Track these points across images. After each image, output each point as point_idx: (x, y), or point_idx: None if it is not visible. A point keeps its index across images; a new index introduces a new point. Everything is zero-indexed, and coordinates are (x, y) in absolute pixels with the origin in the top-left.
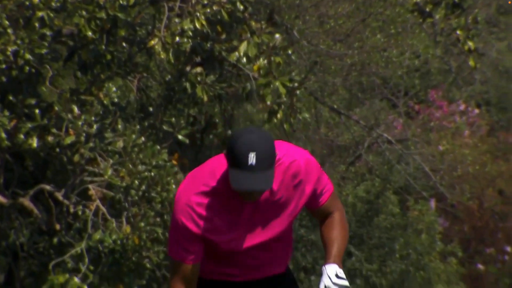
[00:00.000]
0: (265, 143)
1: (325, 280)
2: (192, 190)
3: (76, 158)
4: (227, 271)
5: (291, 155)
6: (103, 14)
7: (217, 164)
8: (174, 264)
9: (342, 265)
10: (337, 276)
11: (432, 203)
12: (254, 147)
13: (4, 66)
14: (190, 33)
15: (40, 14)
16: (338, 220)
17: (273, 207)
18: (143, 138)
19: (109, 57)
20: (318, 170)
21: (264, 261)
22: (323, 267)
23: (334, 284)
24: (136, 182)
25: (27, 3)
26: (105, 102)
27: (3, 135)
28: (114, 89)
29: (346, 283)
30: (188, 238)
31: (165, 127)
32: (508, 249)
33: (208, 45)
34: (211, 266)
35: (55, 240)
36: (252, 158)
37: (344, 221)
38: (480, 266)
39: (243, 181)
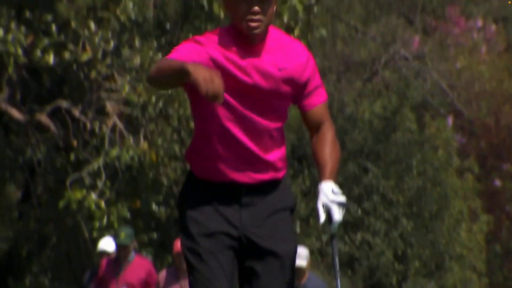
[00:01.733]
0: None
1: (322, 198)
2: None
3: (93, 74)
4: (222, 156)
5: (302, 46)
6: None
7: None
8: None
9: (357, 182)
10: (333, 192)
11: (449, 119)
12: None
13: None
14: None
15: None
16: (330, 139)
17: (284, 74)
18: (160, 55)
19: None
20: (315, 65)
21: (254, 153)
22: (319, 185)
23: (332, 201)
24: (153, 98)
25: None
26: (122, 18)
27: (20, 51)
28: (131, 5)
29: (343, 198)
30: (196, 52)
31: None
32: None
33: None
34: (208, 150)
35: (72, 156)
36: None
37: (335, 141)
38: (497, 182)
39: None
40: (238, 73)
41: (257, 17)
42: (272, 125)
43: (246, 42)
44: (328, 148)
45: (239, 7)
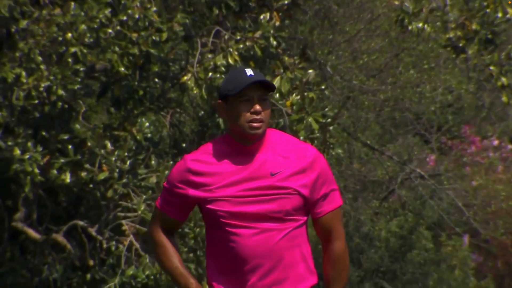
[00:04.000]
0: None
1: None
2: (191, 154)
3: (110, 193)
4: (234, 270)
5: (305, 145)
6: (136, 50)
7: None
8: (156, 212)
9: None
10: None
11: (466, 239)
12: (247, 67)
13: (37, 101)
14: (223, 69)
15: (73, 50)
16: (335, 258)
17: (277, 179)
18: None
19: (141, 92)
20: (325, 169)
21: (265, 262)
22: None
23: None
24: None
25: (60, 38)
26: (138, 137)
27: (36, 170)
28: (147, 124)
29: None
30: (172, 190)
31: None
32: None
33: None
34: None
35: (89, 276)
36: (249, 71)
37: (342, 256)
38: None
39: (248, 80)
40: (231, 194)
41: (259, 117)
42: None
43: (242, 145)
44: (332, 270)
45: (241, 108)
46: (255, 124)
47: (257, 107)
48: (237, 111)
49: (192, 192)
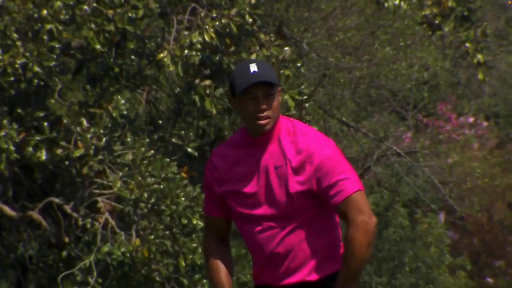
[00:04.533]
0: (263, 62)
1: None
2: (217, 147)
3: (85, 170)
4: (256, 261)
5: (309, 136)
6: (111, 27)
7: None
8: (204, 218)
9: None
10: None
11: (441, 216)
12: (253, 61)
13: (12, 78)
14: (199, 46)
15: (48, 27)
16: (347, 242)
17: (279, 174)
18: (152, 151)
19: (117, 70)
20: (328, 161)
21: (283, 251)
22: None
23: None
24: (145, 195)
25: (36, 15)
26: (114, 114)
27: (12, 148)
28: (123, 101)
29: None
30: (207, 189)
31: (174, 140)
32: None
33: (217, 57)
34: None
35: (64, 253)
36: (254, 67)
37: (353, 244)
38: (489, 280)
39: (251, 78)
40: (249, 189)
41: (265, 114)
42: (288, 226)
43: (253, 137)
44: (343, 260)
45: (248, 105)
46: (261, 122)
47: (262, 105)
48: (244, 107)
49: (216, 187)
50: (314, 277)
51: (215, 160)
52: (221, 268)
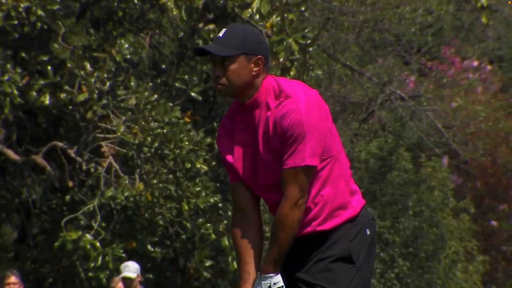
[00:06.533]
0: (244, 29)
1: None
2: (223, 118)
3: (89, 115)
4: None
5: (294, 103)
6: None
7: None
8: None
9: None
10: None
11: (445, 160)
12: (230, 26)
13: (16, 22)
14: None
15: None
16: (278, 215)
17: (269, 139)
18: (155, 95)
19: (121, 13)
20: (297, 126)
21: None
22: (258, 274)
23: None
24: (149, 139)
25: None
26: (117, 58)
27: (16, 92)
28: (126, 46)
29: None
30: (223, 159)
31: (177, 84)
32: None
33: (221, 1)
34: None
35: (68, 197)
36: (222, 32)
37: (284, 220)
38: (493, 223)
39: (208, 44)
40: (247, 155)
41: (220, 80)
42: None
43: (240, 103)
44: (272, 228)
45: (211, 70)
46: (216, 87)
47: (216, 72)
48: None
49: (227, 156)
50: (326, 226)
51: (220, 130)
52: (243, 250)
